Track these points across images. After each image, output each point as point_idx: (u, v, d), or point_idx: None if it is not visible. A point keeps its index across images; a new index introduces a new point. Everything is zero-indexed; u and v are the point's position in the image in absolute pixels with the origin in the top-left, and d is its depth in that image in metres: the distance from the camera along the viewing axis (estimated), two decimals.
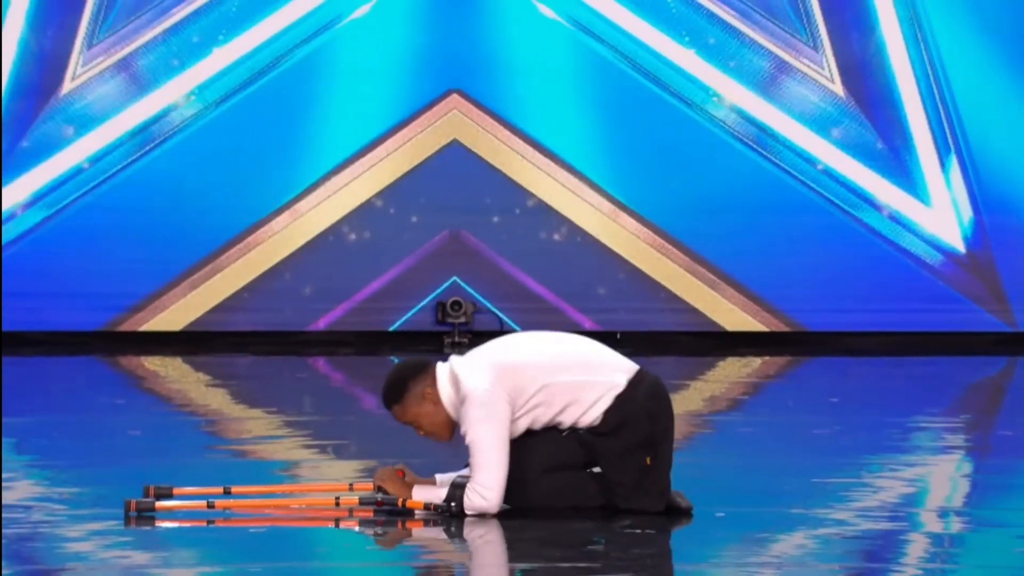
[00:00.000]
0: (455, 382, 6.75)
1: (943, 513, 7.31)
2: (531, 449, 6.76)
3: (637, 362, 6.91)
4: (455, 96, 12.98)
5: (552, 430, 6.82)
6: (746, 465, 8.27)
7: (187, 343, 12.68)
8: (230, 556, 6.38)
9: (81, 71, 12.82)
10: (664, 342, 12.93)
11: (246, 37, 12.84)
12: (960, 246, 12.98)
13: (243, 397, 10.99)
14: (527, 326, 13.02)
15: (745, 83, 12.94)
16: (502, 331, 13.01)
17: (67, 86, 12.82)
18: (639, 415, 6.83)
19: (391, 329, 13.05)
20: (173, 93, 12.81)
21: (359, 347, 12.90)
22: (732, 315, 13.01)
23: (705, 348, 12.81)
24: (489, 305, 13.05)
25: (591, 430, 6.80)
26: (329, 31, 12.80)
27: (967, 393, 11.45)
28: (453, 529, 6.54)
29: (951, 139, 12.92)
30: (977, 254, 12.98)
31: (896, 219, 12.95)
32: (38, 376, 11.78)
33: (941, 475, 8.22)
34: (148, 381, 11.73)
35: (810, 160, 12.94)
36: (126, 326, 12.77)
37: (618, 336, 13.01)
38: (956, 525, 7.05)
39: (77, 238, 12.73)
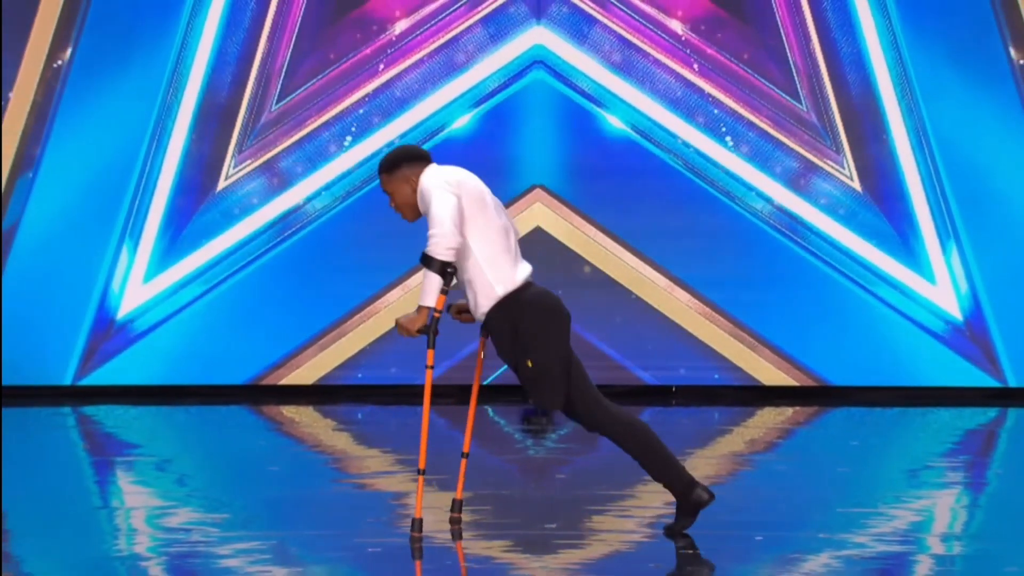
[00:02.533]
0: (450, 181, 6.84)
1: (946, 537, 7.25)
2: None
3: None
4: (539, 190, 13.01)
5: None
6: (780, 497, 8.23)
7: (317, 395, 12.73)
8: (349, 570, 6.39)
9: (232, 172, 12.94)
10: (712, 395, 12.89)
11: (366, 143, 12.92)
12: (958, 316, 12.89)
13: (363, 439, 11.02)
14: (598, 381, 12.96)
15: (779, 180, 12.93)
16: None
17: (221, 184, 12.95)
18: (517, 316, 6.84)
19: (485, 383, 13.05)
20: (307, 189, 12.91)
21: (458, 398, 12.91)
22: (769, 372, 12.95)
23: (746, 400, 12.76)
24: None
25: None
26: (435, 138, 12.87)
27: (965, 437, 11.35)
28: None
29: (951, 228, 12.86)
30: (973, 323, 12.89)
31: (905, 293, 12.88)
32: (197, 422, 11.85)
33: (944, 506, 8.16)
34: (285, 426, 11.78)
35: (833, 244, 12.90)
36: (267, 380, 12.82)
37: (673, 390, 12.98)
38: (957, 547, 6.99)
39: (228, 309, 12.82)
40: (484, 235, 6.86)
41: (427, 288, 6.77)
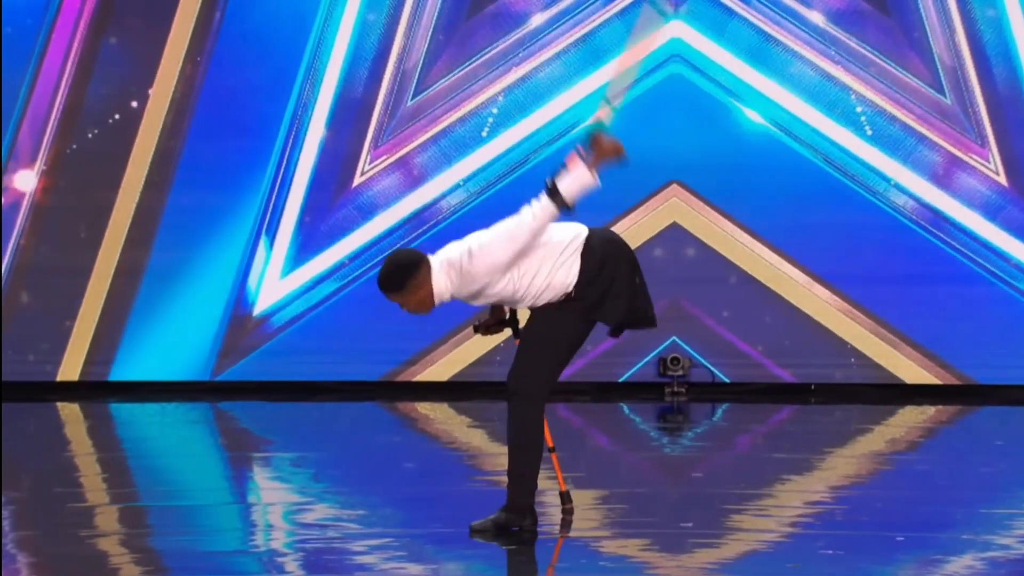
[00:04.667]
0: (453, 263, 6.82)
1: None
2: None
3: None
4: (675, 186, 12.98)
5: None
6: (922, 497, 8.16)
7: (452, 391, 12.80)
8: (485, 569, 6.42)
9: (368, 168, 13.04)
10: (852, 393, 12.79)
11: (502, 138, 12.97)
12: None
13: (499, 436, 11.05)
14: (736, 379, 12.96)
15: (921, 174, 12.80)
16: (714, 383, 12.95)
17: (356, 180, 13.06)
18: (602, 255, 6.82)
19: (620, 380, 13.06)
20: (443, 185, 12.98)
21: (593, 395, 12.93)
22: (910, 370, 12.82)
23: (887, 398, 12.65)
24: (703, 360, 13.01)
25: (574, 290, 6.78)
26: (570, 134, 12.88)
27: None
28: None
29: None
30: None
31: None
32: (331, 418, 11.96)
33: None
34: (420, 423, 11.86)
35: (977, 239, 12.74)
36: (402, 377, 12.91)
37: (812, 388, 12.89)
38: None
39: (364, 305, 12.91)
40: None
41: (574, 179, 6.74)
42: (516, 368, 6.93)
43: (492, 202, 12.85)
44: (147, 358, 12.94)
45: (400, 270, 6.83)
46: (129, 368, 12.94)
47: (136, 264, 12.91)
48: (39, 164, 12.88)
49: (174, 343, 12.94)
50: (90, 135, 12.91)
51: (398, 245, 12.97)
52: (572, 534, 6.93)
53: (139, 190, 12.91)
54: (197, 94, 12.90)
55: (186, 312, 12.91)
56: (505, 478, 6.92)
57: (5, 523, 7.21)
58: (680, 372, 12.90)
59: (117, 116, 12.92)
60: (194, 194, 12.92)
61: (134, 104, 12.90)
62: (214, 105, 12.90)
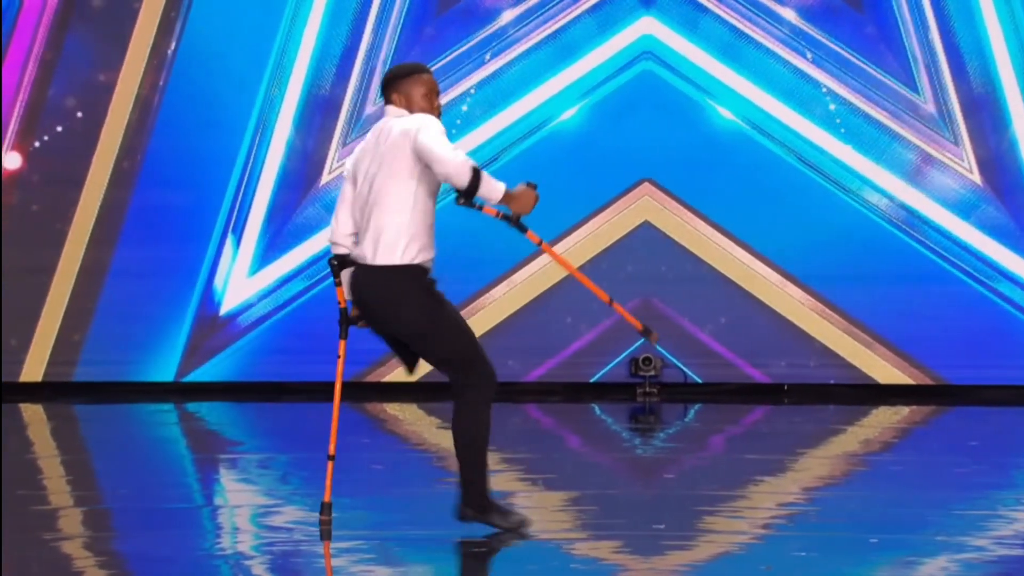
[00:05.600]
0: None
1: None
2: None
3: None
4: (647, 184, 12.98)
5: None
6: (896, 498, 8.16)
7: (422, 392, 12.77)
8: (453, 571, 6.40)
9: (336, 166, 13.01)
10: (825, 393, 12.80)
11: (471, 136, 12.95)
12: None
13: None
14: (708, 379, 12.96)
15: (895, 172, 12.82)
16: (686, 383, 12.95)
17: (324, 178, 13.03)
18: None
19: (591, 380, 13.05)
20: None
21: (564, 396, 12.92)
22: (884, 370, 12.84)
23: (860, 398, 12.66)
24: (675, 361, 13.00)
25: None
26: (542, 131, 12.88)
27: None
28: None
29: None
30: None
31: None
32: (300, 419, 11.93)
33: None
34: (389, 424, 11.84)
35: (951, 238, 12.77)
36: (371, 377, 12.88)
37: (785, 388, 12.90)
38: None
39: (332, 305, 12.85)
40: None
41: (493, 184, 6.74)
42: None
43: None
44: (112, 358, 12.88)
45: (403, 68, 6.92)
46: (94, 369, 12.88)
47: (101, 263, 12.85)
48: (2, 162, 12.80)
49: (140, 343, 12.88)
50: (51, 135, 12.84)
51: None
52: (543, 536, 6.91)
53: (104, 188, 12.85)
54: (163, 91, 12.85)
55: (152, 312, 12.86)
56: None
57: None
58: (652, 372, 12.89)
59: (80, 114, 12.86)
60: (160, 192, 12.86)
61: (99, 101, 12.84)
62: (180, 102, 12.85)
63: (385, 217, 6.77)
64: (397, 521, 7.44)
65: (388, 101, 6.96)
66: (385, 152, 6.77)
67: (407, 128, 6.73)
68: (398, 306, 6.80)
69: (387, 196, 6.77)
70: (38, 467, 9.38)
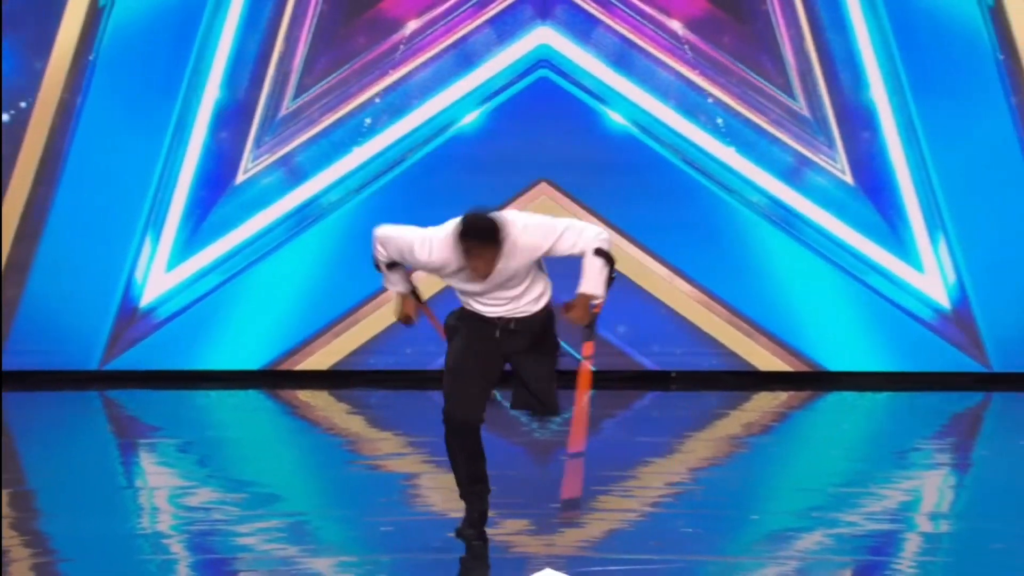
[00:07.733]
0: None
1: (933, 516, 7.26)
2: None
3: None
4: (544, 184, 13.00)
5: None
6: (775, 478, 8.24)
7: (332, 380, 12.74)
8: (361, 548, 6.40)
9: (251, 166, 12.94)
10: (710, 379, 12.89)
11: (378, 139, 12.92)
12: (946, 303, 12.89)
13: (376, 423, 11.04)
14: (601, 367, 12.98)
15: (774, 174, 12.92)
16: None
17: (239, 178, 12.95)
18: None
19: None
20: (322, 183, 12.91)
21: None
22: (764, 358, 12.94)
23: (743, 384, 12.77)
24: (570, 349, 13.03)
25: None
26: (444, 134, 12.87)
27: (952, 421, 11.37)
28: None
29: (939, 219, 12.85)
30: (959, 310, 12.88)
31: (894, 282, 12.87)
32: (216, 406, 11.87)
33: (932, 486, 8.17)
34: (301, 410, 11.80)
35: (826, 235, 12.89)
36: (284, 366, 12.83)
37: (673, 375, 12.98)
38: (944, 526, 7.01)
39: (247, 297, 12.82)
40: None
41: (602, 279, 6.75)
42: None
43: (369, 200, 12.82)
44: (37, 348, 12.75)
45: (495, 221, 6.69)
46: (19, 358, 12.75)
47: (24, 258, 12.72)
48: None
49: (63, 334, 12.76)
50: None
51: (279, 241, 12.90)
52: (444, 517, 6.92)
53: (28, 187, 12.72)
54: (85, 94, 12.73)
55: (75, 304, 12.74)
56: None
57: None
58: None
59: (6, 117, 12.71)
60: (82, 191, 12.74)
61: (23, 104, 12.71)
62: (101, 105, 12.73)
63: None
64: (309, 502, 7.42)
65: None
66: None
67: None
68: None
69: None
70: None
